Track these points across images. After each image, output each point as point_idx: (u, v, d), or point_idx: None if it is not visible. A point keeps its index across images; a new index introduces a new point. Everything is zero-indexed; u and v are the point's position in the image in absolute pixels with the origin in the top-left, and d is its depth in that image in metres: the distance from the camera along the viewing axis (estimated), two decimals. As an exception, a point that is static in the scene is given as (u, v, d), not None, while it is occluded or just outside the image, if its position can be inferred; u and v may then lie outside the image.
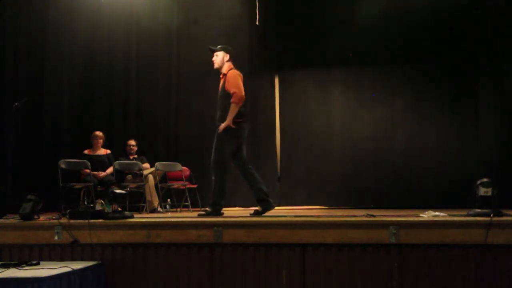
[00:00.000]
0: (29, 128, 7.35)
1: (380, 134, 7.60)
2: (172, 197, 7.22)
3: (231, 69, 5.04)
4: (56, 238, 4.38)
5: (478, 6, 7.32)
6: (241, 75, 5.03)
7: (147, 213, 6.42)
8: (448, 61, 7.47)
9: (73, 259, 4.32)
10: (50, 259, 4.34)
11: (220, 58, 5.05)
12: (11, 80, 7.54)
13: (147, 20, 7.96)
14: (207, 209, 5.00)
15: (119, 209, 4.66)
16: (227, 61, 5.07)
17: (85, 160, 6.59)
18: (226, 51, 5.06)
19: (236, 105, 4.87)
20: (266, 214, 4.99)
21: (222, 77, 5.04)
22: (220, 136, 4.93)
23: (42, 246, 4.41)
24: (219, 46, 5.11)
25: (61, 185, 6.33)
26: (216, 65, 5.06)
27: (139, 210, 6.78)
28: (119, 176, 6.75)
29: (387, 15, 7.41)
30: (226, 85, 4.94)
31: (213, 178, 4.98)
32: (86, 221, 4.37)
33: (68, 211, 4.63)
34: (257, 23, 7.40)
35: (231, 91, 4.88)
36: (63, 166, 6.36)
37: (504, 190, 4.43)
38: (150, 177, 6.73)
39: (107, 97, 7.91)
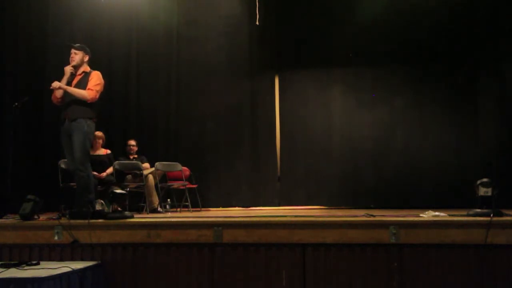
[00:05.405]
0: (29, 128, 7.34)
1: (380, 134, 7.61)
2: (172, 197, 7.23)
3: (94, 70, 5.12)
4: (56, 238, 4.38)
5: (478, 6, 7.33)
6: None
7: (147, 213, 6.42)
8: (448, 61, 7.48)
9: (73, 259, 4.32)
10: (50, 259, 4.34)
11: (80, 56, 5.09)
12: (11, 80, 7.54)
13: (147, 20, 7.96)
14: (74, 210, 4.68)
15: (119, 209, 4.66)
16: (86, 61, 5.15)
17: (85, 160, 6.59)
18: (86, 52, 5.14)
19: (87, 96, 4.89)
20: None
21: (81, 74, 5.07)
22: (83, 130, 4.85)
23: (42, 246, 4.40)
24: (79, 45, 5.15)
25: (61, 185, 6.34)
26: (74, 62, 5.08)
27: (139, 210, 6.78)
28: (119, 176, 6.75)
29: (387, 15, 7.42)
30: (90, 81, 4.97)
31: (81, 175, 4.83)
32: (86, 221, 4.37)
33: (68, 211, 4.63)
34: (257, 23, 7.39)
35: (91, 87, 4.93)
36: (63, 166, 6.37)
37: (504, 190, 4.43)
38: (150, 177, 6.72)
39: (107, 97, 7.90)
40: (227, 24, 7.95)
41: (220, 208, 7.56)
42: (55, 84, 4.95)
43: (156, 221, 4.44)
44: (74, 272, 3.85)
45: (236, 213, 6.59)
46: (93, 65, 5.26)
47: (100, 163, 6.59)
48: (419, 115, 7.55)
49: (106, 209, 4.67)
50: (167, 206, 7.06)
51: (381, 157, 7.56)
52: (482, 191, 4.16)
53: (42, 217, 4.72)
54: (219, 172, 7.79)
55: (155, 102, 7.99)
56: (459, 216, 4.25)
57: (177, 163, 7.10)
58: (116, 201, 4.66)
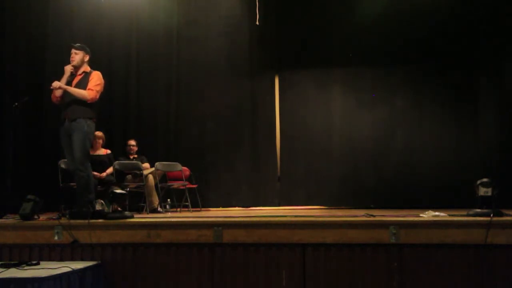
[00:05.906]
0: (29, 128, 7.34)
1: (380, 134, 7.61)
2: (172, 197, 7.23)
3: (94, 70, 5.14)
4: (56, 238, 4.38)
5: (478, 6, 7.33)
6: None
7: (147, 213, 6.42)
8: (448, 61, 7.48)
9: (73, 259, 4.32)
10: (50, 259, 4.34)
11: (80, 56, 5.10)
12: (11, 80, 7.53)
13: (147, 20, 7.96)
14: (74, 210, 4.70)
15: (119, 209, 4.66)
16: (86, 61, 5.15)
17: (85, 160, 6.58)
18: (86, 52, 5.15)
19: (87, 97, 4.90)
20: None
21: (81, 74, 5.08)
22: (83, 130, 4.85)
23: (42, 246, 4.41)
24: (79, 45, 5.17)
25: (61, 185, 6.34)
26: (75, 62, 5.10)
27: (139, 210, 6.78)
28: (119, 176, 6.75)
29: (387, 15, 7.42)
30: (90, 81, 4.98)
31: (81, 175, 4.83)
32: (86, 221, 4.37)
33: (68, 211, 4.63)
34: (257, 23, 7.39)
35: (92, 87, 4.94)
36: (63, 166, 6.36)
37: (504, 190, 4.43)
38: (150, 177, 6.72)
39: (107, 97, 7.90)
40: (227, 24, 7.95)
41: (220, 208, 7.56)
42: (55, 84, 4.96)
43: (156, 221, 4.44)
44: (74, 272, 3.85)
45: (236, 213, 6.59)
46: (93, 65, 5.27)
47: (100, 163, 6.59)
48: (419, 115, 7.55)
49: (106, 209, 4.68)
50: (167, 206, 7.06)
51: (381, 157, 7.56)
52: (482, 191, 4.16)
53: (42, 217, 4.72)
54: (219, 172, 7.79)
55: (155, 102, 7.99)
56: (459, 216, 4.25)
57: (177, 163, 7.10)
58: (116, 201, 4.66)
